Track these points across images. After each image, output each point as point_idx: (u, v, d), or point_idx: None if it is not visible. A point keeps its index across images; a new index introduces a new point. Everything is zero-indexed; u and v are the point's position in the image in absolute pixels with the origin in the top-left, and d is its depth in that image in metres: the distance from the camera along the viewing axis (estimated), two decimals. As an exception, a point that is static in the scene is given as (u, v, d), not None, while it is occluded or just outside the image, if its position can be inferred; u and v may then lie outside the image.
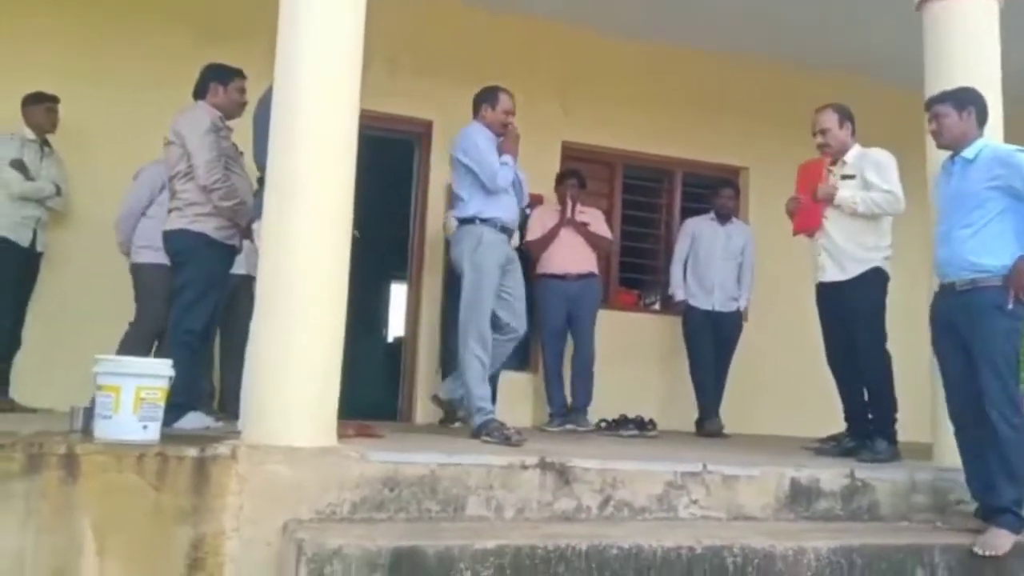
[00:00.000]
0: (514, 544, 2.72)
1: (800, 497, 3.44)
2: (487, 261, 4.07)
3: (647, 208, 6.71)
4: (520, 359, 5.45)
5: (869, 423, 4.12)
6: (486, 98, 4.37)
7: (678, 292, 5.79)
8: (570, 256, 5.46)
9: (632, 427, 5.14)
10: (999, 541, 3.14)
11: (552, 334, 5.49)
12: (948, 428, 3.59)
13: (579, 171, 5.76)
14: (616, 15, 6.02)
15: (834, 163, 4.34)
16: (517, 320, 4.22)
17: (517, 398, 5.65)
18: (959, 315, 3.33)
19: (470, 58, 5.91)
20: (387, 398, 6.29)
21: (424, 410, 5.59)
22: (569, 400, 5.44)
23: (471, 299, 4.06)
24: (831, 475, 3.51)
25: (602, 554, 2.76)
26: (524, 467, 3.16)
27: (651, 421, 5.22)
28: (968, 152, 3.39)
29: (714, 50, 6.39)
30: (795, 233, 4.52)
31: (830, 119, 4.29)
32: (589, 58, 6.27)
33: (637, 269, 6.75)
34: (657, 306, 6.82)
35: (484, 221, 4.13)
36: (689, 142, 6.47)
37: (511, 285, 4.22)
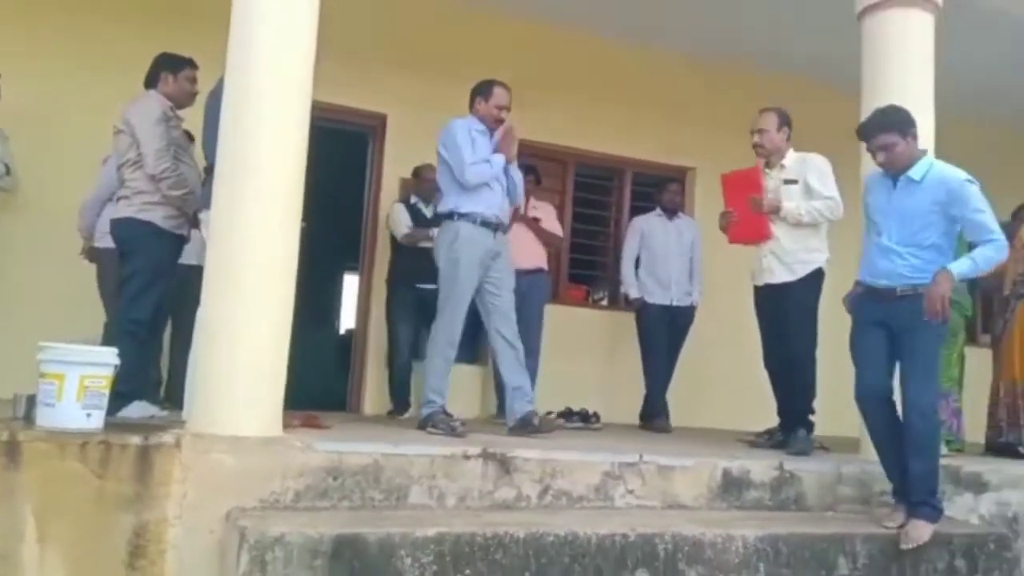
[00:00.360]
0: (454, 532, 2.80)
1: (731, 487, 3.58)
2: (463, 256, 4.05)
3: (598, 206, 6.82)
4: (470, 351, 5.52)
5: (795, 415, 4.27)
6: (481, 90, 4.34)
7: (631, 290, 5.80)
8: (520, 251, 5.52)
9: (577, 419, 5.25)
10: (920, 532, 3.30)
11: None
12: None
13: (535, 167, 5.81)
14: (573, 13, 6.10)
15: (768, 166, 4.47)
16: (502, 318, 4.18)
17: (466, 390, 5.71)
18: (895, 317, 3.42)
19: (426, 52, 5.96)
20: (337, 389, 6.32)
21: (373, 401, 5.64)
22: None
23: (444, 295, 4.09)
24: (761, 467, 3.65)
25: (539, 541, 2.86)
26: (467, 457, 3.24)
27: (595, 414, 5.34)
28: (915, 173, 3.43)
29: (667, 51, 6.52)
30: (733, 242, 4.64)
31: (770, 121, 4.43)
32: (546, 55, 6.34)
33: (587, 265, 6.86)
34: (605, 302, 6.96)
35: (462, 216, 4.11)
36: (640, 142, 6.60)
37: (496, 278, 4.19)
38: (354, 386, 5.92)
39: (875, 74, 4.19)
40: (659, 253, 5.75)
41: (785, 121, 4.44)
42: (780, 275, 4.36)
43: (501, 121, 4.29)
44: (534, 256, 5.58)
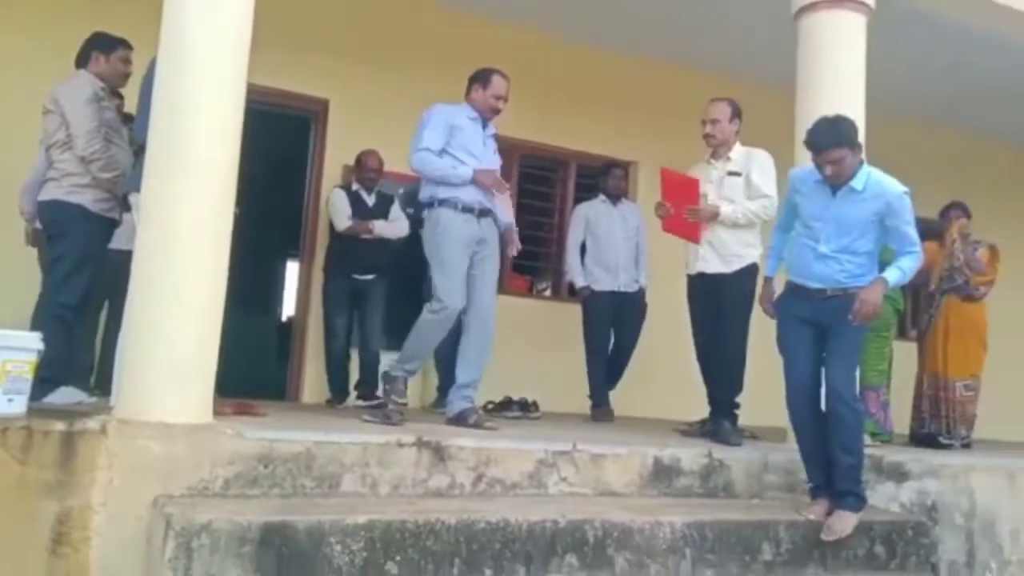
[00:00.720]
0: (385, 519, 2.81)
1: (662, 475, 3.65)
2: (445, 241, 3.96)
3: (542, 197, 6.85)
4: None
5: (722, 406, 4.37)
6: (479, 78, 4.20)
7: (578, 279, 5.69)
8: None
9: (516, 408, 5.28)
10: (844, 524, 3.39)
11: None
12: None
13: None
14: (518, 8, 6.11)
15: (714, 156, 4.51)
16: (477, 316, 4.09)
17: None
18: (824, 314, 3.49)
19: (370, 39, 5.92)
20: (278, 377, 6.26)
21: (312, 389, 5.60)
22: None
23: (436, 283, 3.97)
24: (691, 455, 3.73)
25: (470, 528, 2.88)
26: (401, 445, 3.25)
27: (534, 403, 5.38)
28: (856, 183, 3.44)
29: (610, 48, 6.57)
30: (666, 231, 4.66)
31: (723, 111, 4.43)
32: (490, 48, 6.28)
33: (530, 256, 6.89)
34: (548, 292, 7.00)
35: (442, 202, 4.00)
36: (584, 135, 6.64)
37: (479, 266, 4.07)
38: (293, 374, 5.87)
39: (810, 72, 4.29)
40: (604, 239, 5.65)
41: (736, 112, 4.47)
42: (714, 265, 4.41)
43: (497, 111, 4.20)
44: None
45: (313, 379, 5.71)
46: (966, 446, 5.05)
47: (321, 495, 3.10)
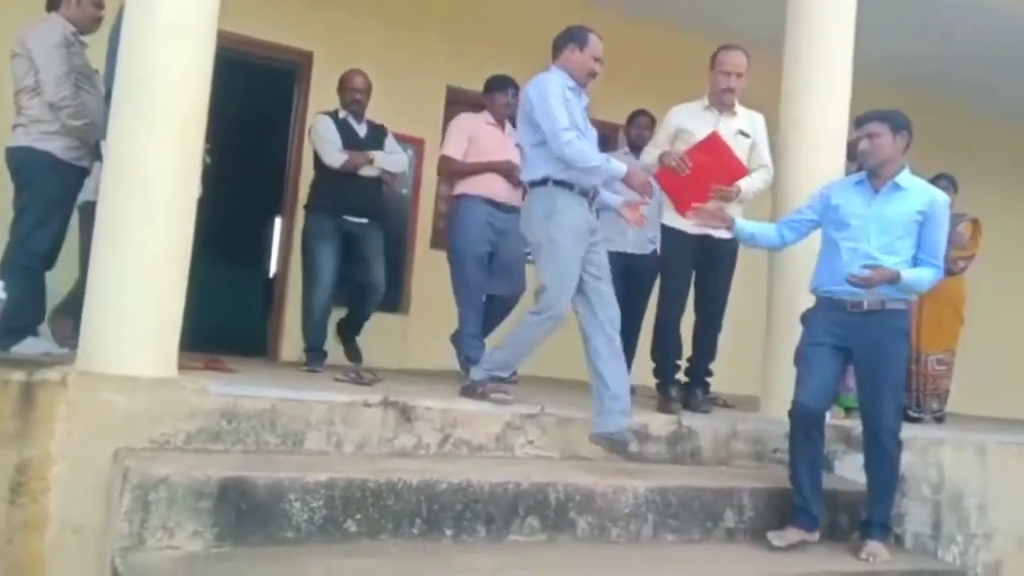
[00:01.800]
0: (346, 477, 2.81)
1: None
2: (564, 230, 3.49)
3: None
4: (392, 299, 5.47)
5: (696, 374, 4.35)
6: (574, 36, 3.69)
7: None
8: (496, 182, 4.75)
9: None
10: (883, 554, 3.34)
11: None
12: (775, 384, 3.87)
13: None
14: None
15: (719, 108, 4.22)
16: (606, 308, 3.58)
17: (385, 339, 5.66)
18: (860, 335, 3.32)
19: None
20: (262, 334, 6.23)
21: (290, 347, 5.58)
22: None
23: (548, 278, 3.51)
24: (660, 421, 3.74)
25: (432, 488, 2.89)
26: (367, 405, 3.25)
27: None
28: (901, 179, 3.36)
29: (594, 6, 6.43)
30: (657, 178, 4.14)
31: (745, 64, 4.15)
32: (478, 2, 6.23)
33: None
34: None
35: (558, 184, 3.52)
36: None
37: (596, 260, 3.62)
38: (272, 331, 5.85)
39: (796, 39, 4.22)
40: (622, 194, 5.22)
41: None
42: (721, 230, 4.06)
43: (595, 75, 3.71)
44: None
45: (294, 336, 5.67)
46: (939, 420, 5.07)
47: (284, 452, 3.10)
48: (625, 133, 5.44)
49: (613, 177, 3.64)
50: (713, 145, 4.09)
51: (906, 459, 3.93)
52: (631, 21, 6.43)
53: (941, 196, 3.41)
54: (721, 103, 4.22)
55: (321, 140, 4.73)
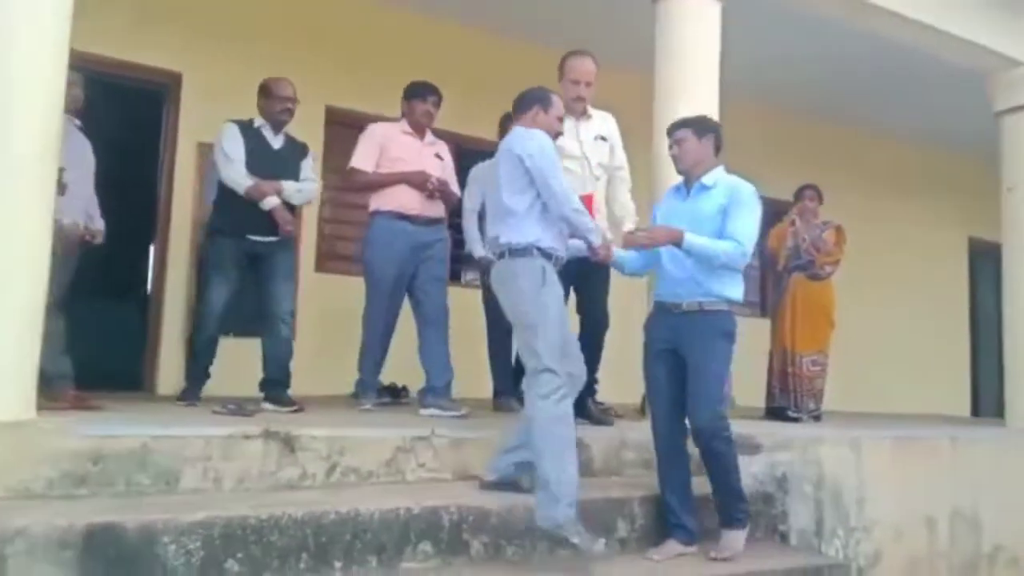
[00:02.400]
0: (225, 515, 2.67)
1: (524, 457, 3.63)
2: (552, 299, 3.23)
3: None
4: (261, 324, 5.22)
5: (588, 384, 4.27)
6: (538, 98, 3.46)
7: (476, 248, 4.86)
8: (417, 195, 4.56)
9: (387, 395, 5.18)
10: (736, 543, 3.36)
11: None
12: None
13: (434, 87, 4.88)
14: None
15: (577, 114, 4.19)
16: (577, 362, 3.39)
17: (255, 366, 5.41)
18: (681, 336, 3.34)
19: (224, 10, 5.63)
20: (137, 366, 5.91)
21: (167, 380, 5.32)
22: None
23: (549, 352, 3.16)
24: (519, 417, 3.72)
25: (318, 520, 2.78)
26: (246, 437, 3.11)
27: (404, 388, 5.29)
28: (707, 179, 3.42)
29: (471, 26, 6.48)
30: None
31: (592, 71, 4.16)
32: (355, 23, 6.17)
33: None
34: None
35: (542, 252, 3.26)
36: (457, 115, 6.52)
37: (566, 324, 3.40)
38: (148, 362, 5.56)
39: (666, 56, 4.35)
40: None
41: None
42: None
43: (560, 135, 3.54)
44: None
45: (170, 368, 5.42)
46: (816, 419, 5.29)
47: (159, 493, 2.92)
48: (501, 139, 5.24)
49: (592, 237, 3.43)
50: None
51: (787, 459, 4.09)
52: (506, 41, 6.53)
53: (745, 185, 3.43)
54: (573, 111, 4.17)
55: (224, 159, 4.26)
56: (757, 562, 3.40)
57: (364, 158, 4.52)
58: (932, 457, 4.69)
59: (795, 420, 5.14)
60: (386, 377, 5.36)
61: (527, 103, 3.46)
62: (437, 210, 4.60)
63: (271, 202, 4.25)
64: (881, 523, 4.31)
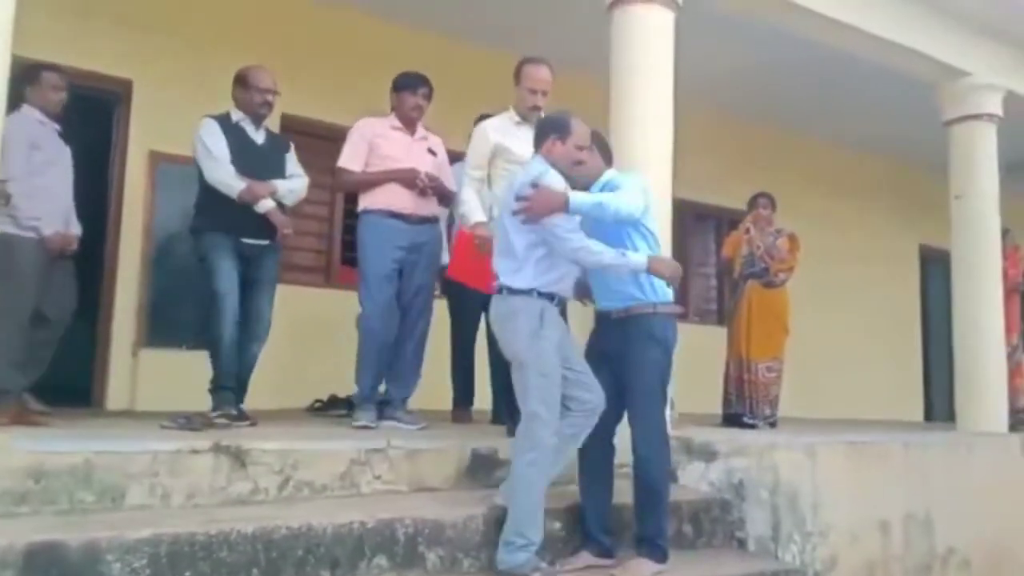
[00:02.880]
0: (172, 531, 2.60)
1: (480, 467, 3.60)
2: (549, 346, 3.12)
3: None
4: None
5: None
6: (555, 126, 3.25)
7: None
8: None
9: (342, 407, 5.11)
10: (642, 570, 3.18)
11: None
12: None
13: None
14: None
15: (526, 120, 4.04)
16: (591, 391, 3.22)
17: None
18: (613, 345, 3.28)
19: (176, 16, 5.55)
20: (86, 380, 5.76)
21: (116, 394, 5.19)
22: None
23: (544, 398, 3.07)
24: (510, 445, 3.69)
25: (270, 535, 2.73)
26: (195, 452, 3.04)
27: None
28: (594, 188, 3.32)
29: (433, 33, 6.46)
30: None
31: (549, 79, 4.05)
32: (313, 28, 6.11)
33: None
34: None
35: (543, 295, 3.15)
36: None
37: (571, 359, 3.24)
38: (97, 378, 5.42)
39: (621, 64, 4.38)
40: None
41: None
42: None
43: (582, 163, 3.26)
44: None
45: (119, 382, 5.29)
46: (772, 425, 5.34)
47: (104, 510, 2.84)
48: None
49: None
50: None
51: (744, 465, 4.11)
52: (463, 46, 6.51)
53: (617, 174, 3.39)
54: (528, 119, 4.05)
55: (209, 158, 3.93)
56: (715, 569, 3.41)
57: (352, 157, 4.30)
58: (885, 462, 4.76)
59: (751, 427, 5.17)
60: (341, 388, 5.31)
61: (543, 132, 3.29)
62: (430, 208, 4.36)
63: (266, 205, 3.96)
64: (836, 527, 4.36)
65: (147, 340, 5.31)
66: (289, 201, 4.15)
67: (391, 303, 4.22)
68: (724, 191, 7.47)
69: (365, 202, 4.28)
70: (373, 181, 4.25)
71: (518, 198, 3.08)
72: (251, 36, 5.73)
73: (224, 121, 4.03)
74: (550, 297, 3.15)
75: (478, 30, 6.46)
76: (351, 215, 6.37)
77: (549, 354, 3.09)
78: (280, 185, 4.06)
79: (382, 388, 4.34)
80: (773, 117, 7.97)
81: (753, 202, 5.62)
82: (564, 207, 3.05)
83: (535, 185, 3.08)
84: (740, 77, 6.96)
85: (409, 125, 4.37)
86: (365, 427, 3.98)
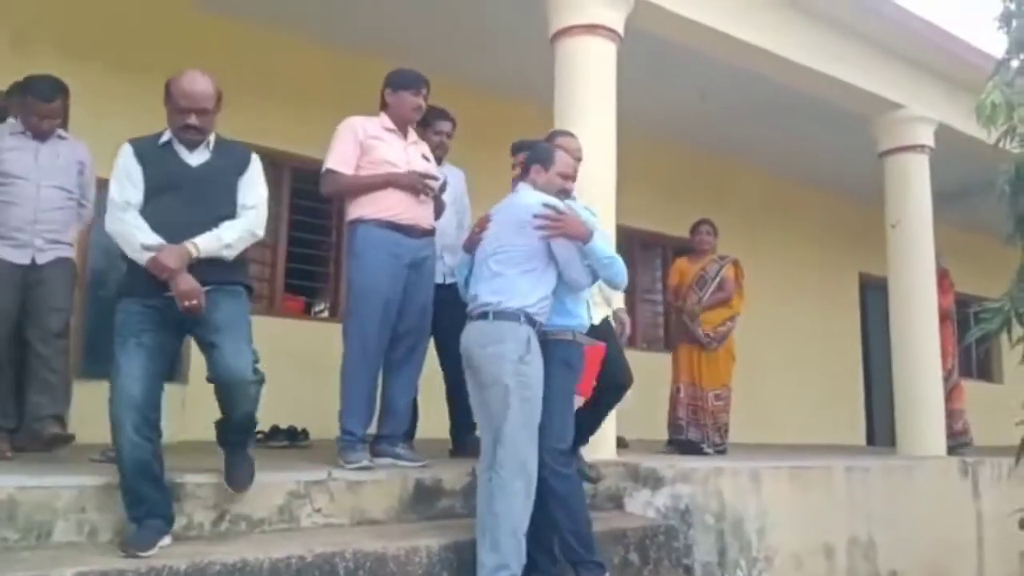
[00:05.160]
0: (99, 569, 2.51)
1: (424, 497, 3.55)
2: (535, 374, 3.14)
3: (315, 213, 6.58)
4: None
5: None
6: (538, 157, 3.34)
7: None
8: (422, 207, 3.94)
9: (283, 438, 5.01)
10: None
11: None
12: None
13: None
14: (284, 15, 5.88)
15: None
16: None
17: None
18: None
19: (119, 41, 5.45)
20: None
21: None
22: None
23: (525, 423, 3.08)
24: (454, 475, 3.66)
25: (203, 571, 2.65)
26: (123, 486, 2.92)
27: (304, 431, 5.12)
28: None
29: (373, 58, 6.44)
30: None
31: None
32: (255, 55, 6.05)
33: (306, 276, 6.61)
34: (326, 314, 6.75)
35: (529, 319, 3.14)
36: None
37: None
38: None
39: (565, 93, 4.43)
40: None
41: None
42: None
43: (567, 192, 3.38)
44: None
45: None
46: (721, 452, 5.36)
47: (27, 548, 2.72)
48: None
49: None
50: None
51: (689, 491, 4.13)
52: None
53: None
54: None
55: (110, 205, 2.98)
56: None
57: (343, 159, 3.79)
58: (828, 486, 4.83)
59: (706, 454, 5.20)
60: (288, 419, 5.20)
61: (528, 161, 3.40)
62: (430, 219, 3.94)
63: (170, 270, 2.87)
64: (781, 552, 4.39)
65: (82, 371, 5.13)
66: (230, 254, 3.03)
67: (383, 329, 3.74)
68: (668, 219, 7.56)
69: (359, 210, 3.78)
70: (369, 185, 3.77)
71: (539, 216, 3.15)
72: (191, 63, 5.64)
73: (149, 144, 3.06)
74: (532, 323, 3.15)
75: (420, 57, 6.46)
76: (296, 242, 6.40)
77: (533, 380, 3.12)
78: (205, 245, 2.93)
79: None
80: (713, 147, 8.12)
81: (695, 228, 5.68)
82: (585, 240, 3.20)
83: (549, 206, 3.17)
84: (680, 107, 7.08)
85: (403, 127, 3.94)
86: (366, 467, 3.54)
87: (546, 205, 3.20)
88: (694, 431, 5.38)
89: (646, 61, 5.24)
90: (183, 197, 3.00)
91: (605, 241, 3.37)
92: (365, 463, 3.56)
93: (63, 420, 3.75)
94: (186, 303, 2.86)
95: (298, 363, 5.91)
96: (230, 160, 3.12)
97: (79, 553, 2.69)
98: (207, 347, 2.99)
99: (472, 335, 3.21)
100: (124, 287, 3.01)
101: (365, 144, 3.81)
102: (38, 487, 2.78)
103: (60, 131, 4.03)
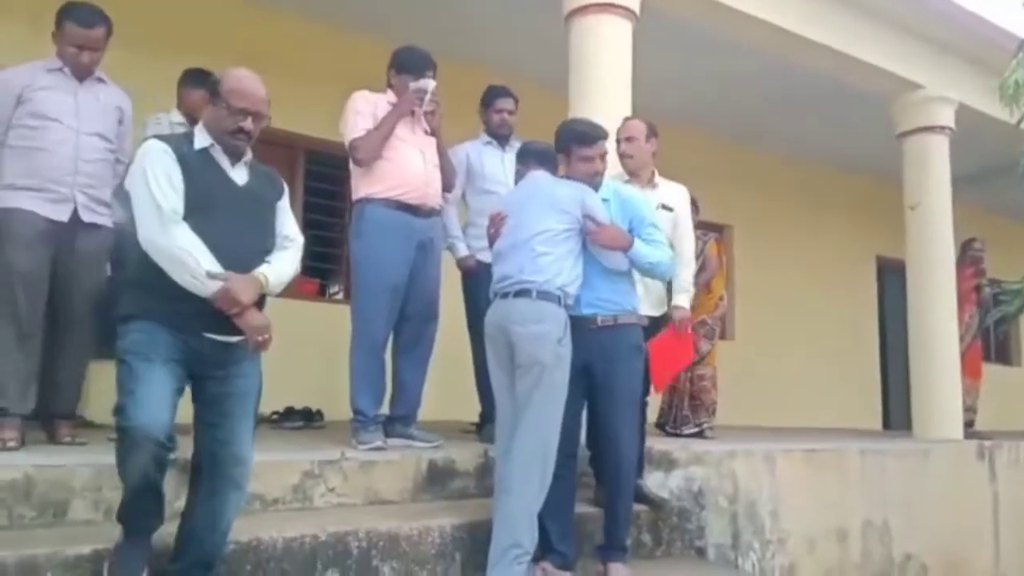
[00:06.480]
0: (114, 547, 2.51)
1: (436, 478, 3.57)
2: (568, 357, 3.14)
3: (328, 195, 6.58)
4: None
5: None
6: (559, 148, 3.38)
7: (460, 246, 4.35)
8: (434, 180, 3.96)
9: (298, 419, 5.03)
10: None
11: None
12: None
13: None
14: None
15: (634, 178, 3.91)
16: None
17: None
18: (596, 352, 3.25)
19: (131, 21, 5.44)
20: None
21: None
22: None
23: (553, 405, 3.08)
24: (467, 455, 3.67)
25: (217, 550, 2.65)
26: (141, 464, 2.94)
27: (319, 412, 5.15)
28: (603, 192, 3.40)
29: (383, 35, 6.39)
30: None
31: (638, 129, 3.88)
32: (267, 36, 6.04)
33: (321, 258, 6.63)
34: (340, 296, 6.76)
35: (564, 303, 3.16)
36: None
37: None
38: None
39: (579, 74, 4.39)
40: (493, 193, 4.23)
41: (653, 132, 3.91)
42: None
43: (600, 174, 3.41)
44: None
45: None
46: (702, 435, 5.13)
47: (44, 525, 2.75)
48: (484, 121, 4.52)
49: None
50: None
51: (702, 473, 4.12)
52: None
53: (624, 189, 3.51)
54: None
55: (152, 215, 2.38)
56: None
57: (359, 129, 3.79)
58: (843, 469, 4.80)
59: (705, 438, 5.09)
60: (303, 400, 5.23)
61: (557, 151, 3.42)
62: (437, 197, 3.92)
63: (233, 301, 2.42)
64: (795, 535, 4.38)
65: (100, 352, 5.17)
66: (278, 290, 2.62)
67: (391, 311, 3.76)
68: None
69: (366, 188, 3.76)
70: (384, 133, 3.73)
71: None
72: (206, 45, 5.64)
73: (183, 147, 2.50)
74: (566, 307, 3.17)
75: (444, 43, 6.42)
76: (310, 224, 6.40)
77: (566, 362, 3.13)
78: (275, 278, 2.56)
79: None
80: (730, 129, 8.03)
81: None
82: (626, 249, 3.26)
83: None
84: (697, 88, 7.01)
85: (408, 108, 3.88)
86: (379, 448, 3.55)
87: (586, 216, 3.21)
88: (694, 415, 5.15)
89: (660, 40, 5.17)
90: (230, 219, 2.48)
91: (650, 238, 3.34)
92: (378, 444, 3.56)
93: (76, 415, 3.64)
94: (258, 338, 2.47)
95: (313, 345, 5.94)
96: (266, 181, 2.67)
97: (96, 530, 2.71)
98: (209, 418, 2.54)
99: (506, 313, 3.16)
100: (145, 310, 2.42)
101: (376, 117, 3.81)
102: (55, 465, 2.82)
103: (99, 73, 3.50)
